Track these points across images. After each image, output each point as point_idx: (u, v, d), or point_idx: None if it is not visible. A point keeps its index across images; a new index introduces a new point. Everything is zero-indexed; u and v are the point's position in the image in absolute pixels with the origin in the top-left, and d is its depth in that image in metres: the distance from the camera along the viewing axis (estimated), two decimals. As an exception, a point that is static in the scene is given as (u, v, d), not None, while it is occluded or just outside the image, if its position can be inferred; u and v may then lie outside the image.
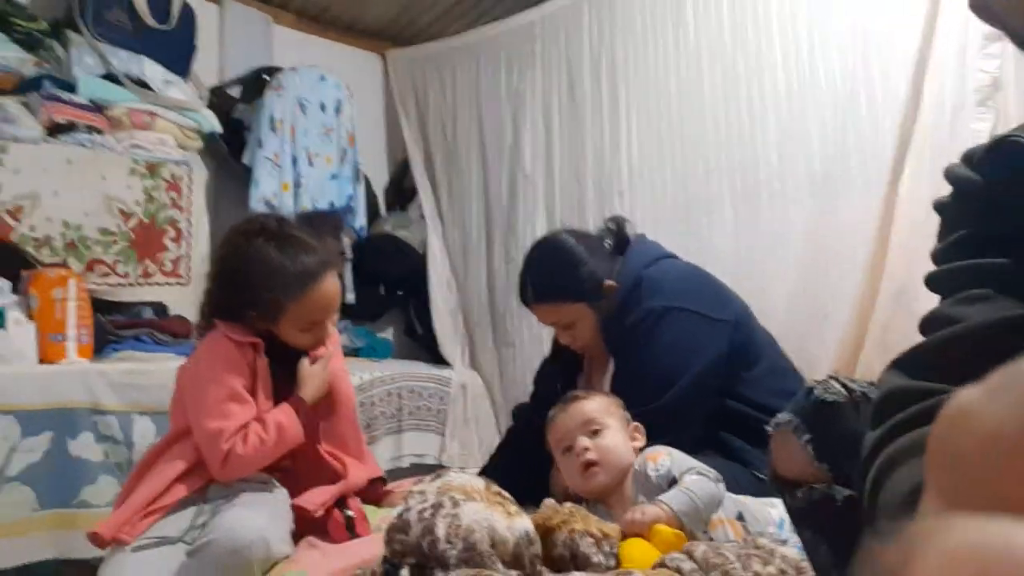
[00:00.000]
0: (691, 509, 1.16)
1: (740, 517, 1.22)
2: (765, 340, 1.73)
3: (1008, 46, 1.80)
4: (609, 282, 1.71)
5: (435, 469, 2.93)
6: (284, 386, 1.57)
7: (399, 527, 1.14)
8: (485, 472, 1.94)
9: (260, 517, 1.37)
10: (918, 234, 1.94)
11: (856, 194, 2.07)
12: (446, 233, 3.24)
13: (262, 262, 1.50)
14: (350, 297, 3.16)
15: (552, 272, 1.72)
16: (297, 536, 1.50)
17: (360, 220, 3.16)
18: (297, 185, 2.98)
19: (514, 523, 1.04)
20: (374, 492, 1.77)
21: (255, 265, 1.50)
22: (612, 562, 1.09)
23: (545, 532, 1.10)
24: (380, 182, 3.56)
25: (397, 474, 2.66)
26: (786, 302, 2.19)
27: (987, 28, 1.81)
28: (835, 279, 2.12)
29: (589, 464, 1.31)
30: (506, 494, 1.21)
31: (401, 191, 3.54)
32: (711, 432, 1.60)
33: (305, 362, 1.60)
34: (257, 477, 1.53)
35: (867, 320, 2.03)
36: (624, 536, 1.13)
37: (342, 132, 3.14)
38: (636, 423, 1.40)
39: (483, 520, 1.03)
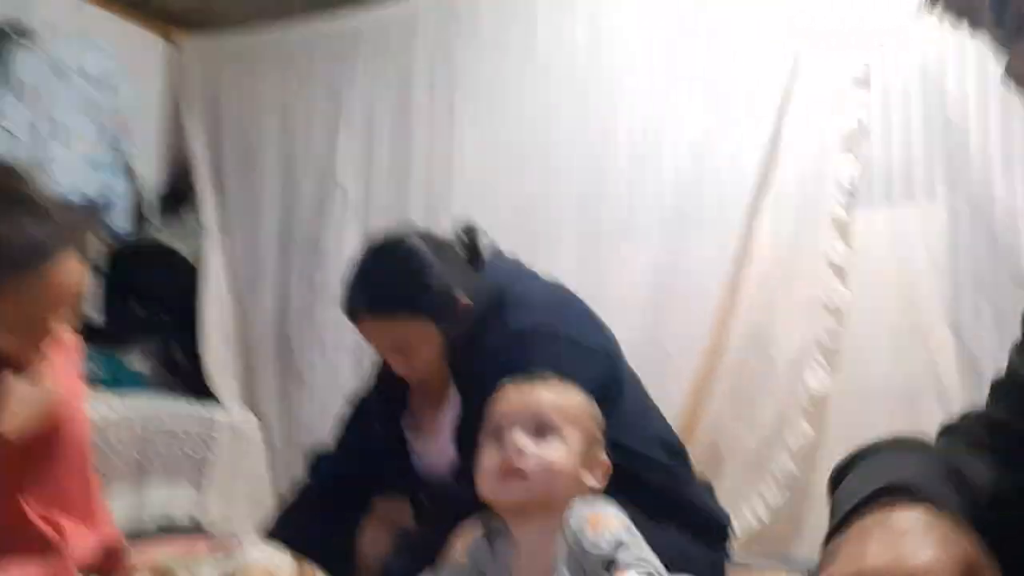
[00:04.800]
0: None
1: None
2: (630, 376, 1.48)
3: (875, 95, 1.78)
4: (463, 298, 1.38)
5: (188, 532, 2.35)
6: None
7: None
8: (272, 538, 1.47)
9: None
10: (776, 276, 1.85)
11: (709, 232, 1.95)
12: (230, 246, 2.73)
13: None
14: (96, 316, 2.54)
15: (396, 278, 1.36)
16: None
17: (123, 222, 2.56)
18: (40, 165, 2.36)
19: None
20: (109, 564, 1.29)
21: None
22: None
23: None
24: (151, 179, 2.96)
25: (137, 536, 2.05)
26: (626, 341, 1.99)
27: (854, 74, 1.79)
28: (682, 321, 1.96)
29: (514, 471, 0.94)
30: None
31: (177, 195, 2.97)
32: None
33: (11, 377, 1.10)
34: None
35: (716, 366, 1.88)
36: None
37: (107, 111, 2.58)
38: (606, 459, 1.02)
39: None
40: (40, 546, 1.12)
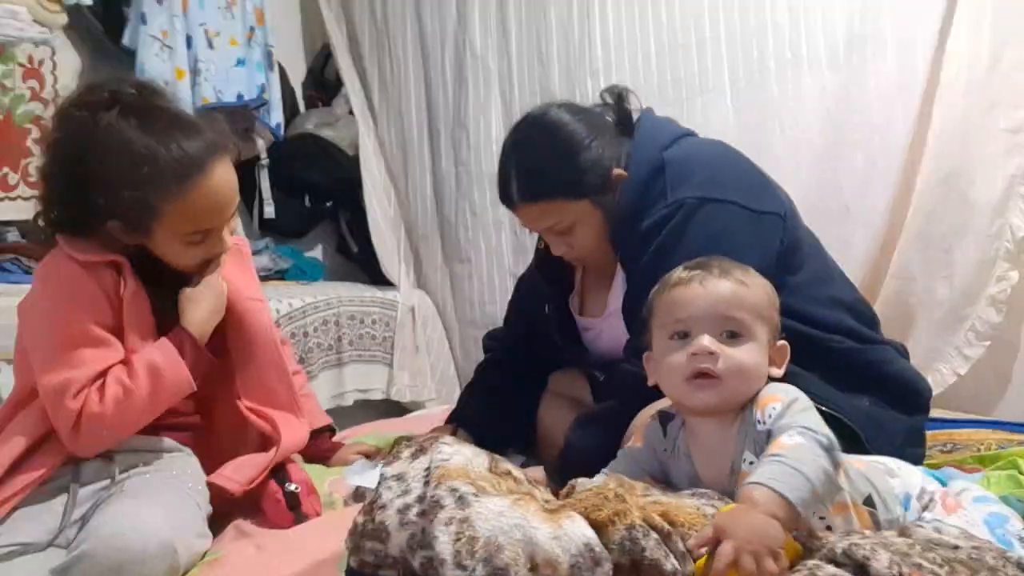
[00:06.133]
0: (809, 497, 0.77)
1: (869, 502, 0.86)
2: (809, 237, 1.38)
3: None
4: (618, 170, 1.31)
5: (383, 405, 2.58)
6: (169, 326, 1.16)
7: (371, 533, 0.75)
8: (457, 418, 1.58)
9: (158, 511, 0.98)
10: (973, 104, 1.60)
11: (891, 57, 1.71)
12: (380, 132, 2.76)
13: (120, 146, 1.07)
14: (269, 211, 2.71)
15: (545, 161, 1.31)
16: (220, 519, 1.13)
17: (276, 116, 2.64)
18: (195, 72, 2.44)
19: (565, 530, 0.66)
20: (319, 446, 1.43)
21: (109, 151, 1.07)
22: (690, 567, 0.74)
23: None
24: (297, 73, 3.02)
25: (340, 414, 2.27)
26: (800, 193, 1.83)
27: None
28: (862, 164, 1.78)
29: (705, 375, 0.92)
30: (519, 472, 0.83)
31: (323, 83, 3.01)
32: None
33: (185, 289, 1.19)
34: (152, 444, 1.14)
35: (905, 211, 1.71)
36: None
37: (247, 7, 2.58)
38: (784, 342, 0.99)
39: (513, 528, 0.66)
40: (259, 441, 1.24)
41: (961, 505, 0.95)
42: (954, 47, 1.62)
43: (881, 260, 1.75)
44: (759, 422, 0.88)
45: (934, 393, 1.35)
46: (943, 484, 1.03)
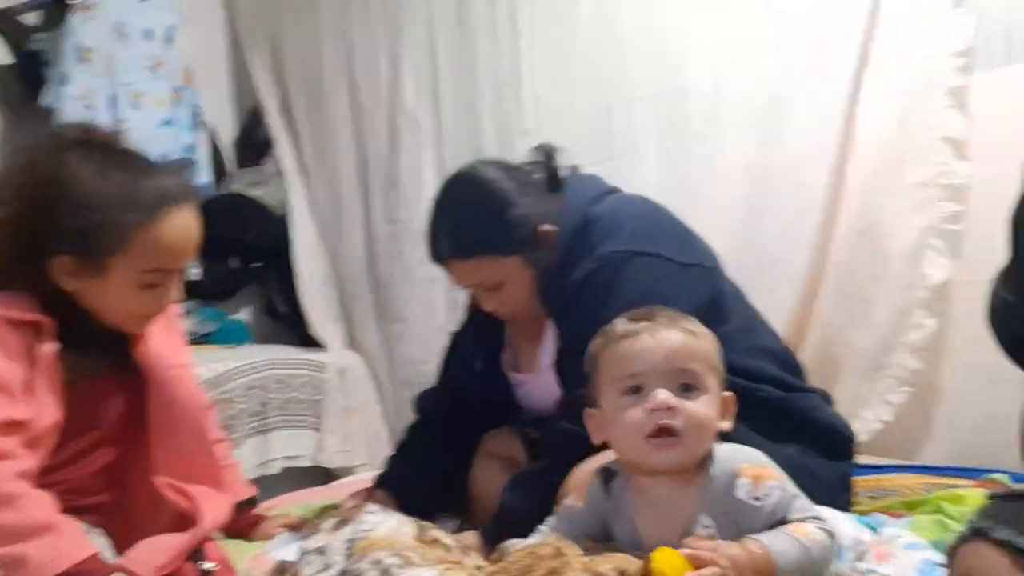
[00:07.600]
0: (798, 571, 0.79)
1: None
2: (733, 288, 1.41)
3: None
4: (547, 227, 1.32)
5: (311, 472, 2.47)
6: (84, 395, 1.10)
7: (288, 610, 0.70)
8: (385, 482, 1.52)
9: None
10: (884, 160, 1.69)
11: (806, 118, 1.80)
12: (312, 190, 2.73)
13: (98, 171, 1.07)
14: (195, 272, 2.60)
15: (475, 220, 1.32)
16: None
17: (203, 176, 2.59)
18: (118, 131, 2.38)
19: (494, 599, 0.63)
20: (240, 520, 1.34)
21: (87, 174, 1.06)
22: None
23: (526, 592, 0.70)
24: (227, 133, 2.98)
25: (266, 482, 2.17)
26: (723, 248, 1.88)
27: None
28: (783, 219, 1.84)
29: (666, 431, 0.88)
30: (449, 539, 0.80)
31: (253, 143, 2.97)
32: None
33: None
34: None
35: (824, 265, 1.77)
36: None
37: (175, 67, 2.55)
38: (730, 393, 0.96)
39: (440, 599, 0.62)
40: (177, 518, 1.16)
41: (893, 553, 0.96)
42: (864, 108, 1.71)
43: (804, 311, 1.79)
44: (754, 498, 0.87)
45: (862, 440, 1.37)
46: (874, 530, 1.04)
